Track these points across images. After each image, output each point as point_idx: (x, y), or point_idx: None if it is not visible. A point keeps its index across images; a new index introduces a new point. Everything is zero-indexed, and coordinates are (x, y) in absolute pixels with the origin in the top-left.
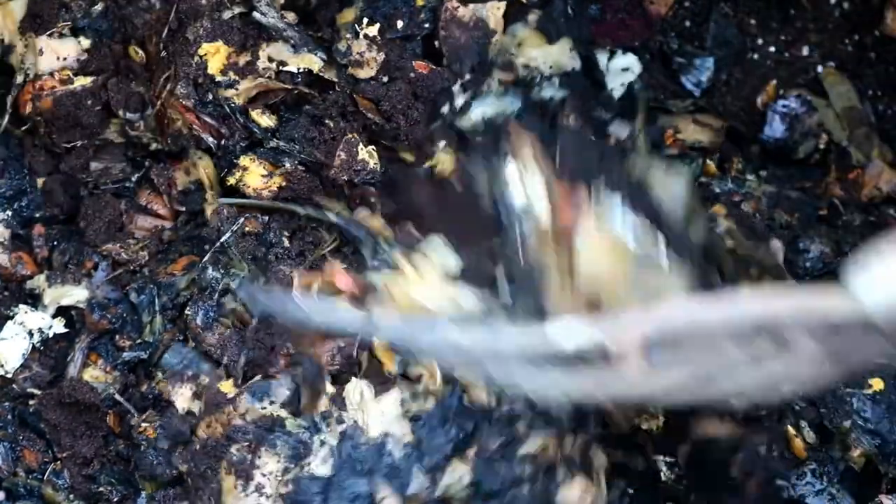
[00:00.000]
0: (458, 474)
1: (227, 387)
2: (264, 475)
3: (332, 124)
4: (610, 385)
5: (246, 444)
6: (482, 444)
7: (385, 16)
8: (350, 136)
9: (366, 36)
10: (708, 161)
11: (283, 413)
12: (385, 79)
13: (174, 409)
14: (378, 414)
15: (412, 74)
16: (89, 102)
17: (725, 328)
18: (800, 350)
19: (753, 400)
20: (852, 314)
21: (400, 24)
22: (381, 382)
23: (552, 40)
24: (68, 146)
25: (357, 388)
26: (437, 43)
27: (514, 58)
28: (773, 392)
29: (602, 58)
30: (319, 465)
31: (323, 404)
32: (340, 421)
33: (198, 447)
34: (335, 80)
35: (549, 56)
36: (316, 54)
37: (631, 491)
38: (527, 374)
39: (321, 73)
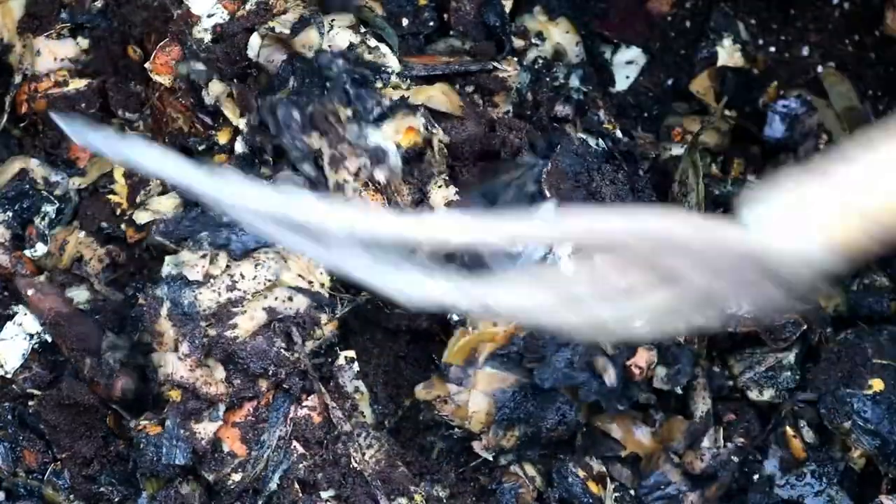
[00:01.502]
0: None
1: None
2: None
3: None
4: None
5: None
6: None
7: (390, 13)
8: None
9: None
10: (712, 164)
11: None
12: None
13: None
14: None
15: None
16: (83, 105)
17: (622, 239)
18: (685, 281)
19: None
20: (744, 248)
21: (405, 22)
22: None
23: (553, 18)
24: None
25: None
26: (446, 16)
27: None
28: (661, 323)
29: (606, 52)
30: None
31: None
32: None
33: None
34: None
35: (552, 36)
36: None
37: None
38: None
39: None
